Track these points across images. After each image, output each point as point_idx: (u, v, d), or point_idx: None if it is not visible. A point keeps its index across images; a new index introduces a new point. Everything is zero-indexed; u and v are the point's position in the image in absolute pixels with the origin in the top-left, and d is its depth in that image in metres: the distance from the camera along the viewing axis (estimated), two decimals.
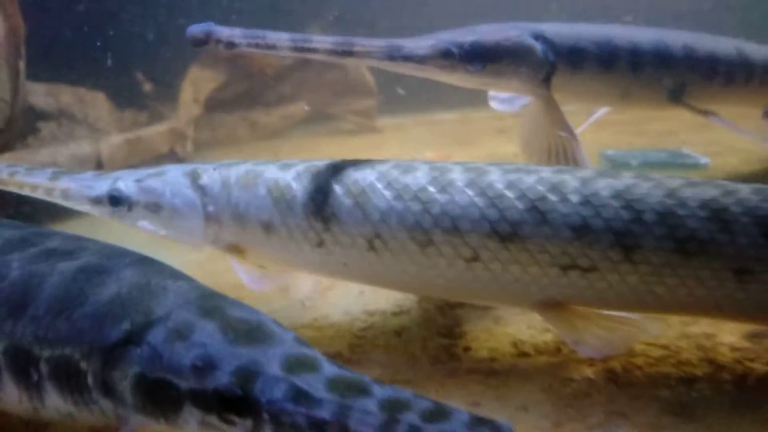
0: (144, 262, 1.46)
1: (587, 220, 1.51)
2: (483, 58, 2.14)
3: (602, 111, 3.04)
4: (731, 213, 1.47)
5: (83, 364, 1.28)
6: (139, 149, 3.61)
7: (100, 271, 1.39)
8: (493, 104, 2.53)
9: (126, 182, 1.86)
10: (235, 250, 1.83)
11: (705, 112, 2.62)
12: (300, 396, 1.09)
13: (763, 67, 2.79)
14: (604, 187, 1.54)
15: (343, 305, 2.08)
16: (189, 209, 1.83)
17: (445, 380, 1.63)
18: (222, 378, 1.14)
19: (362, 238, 1.66)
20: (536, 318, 1.77)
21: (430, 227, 1.59)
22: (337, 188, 1.68)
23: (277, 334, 1.22)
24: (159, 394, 1.19)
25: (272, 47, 1.74)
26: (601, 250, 1.51)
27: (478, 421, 1.03)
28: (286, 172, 1.77)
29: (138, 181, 1.86)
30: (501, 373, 1.64)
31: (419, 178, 1.64)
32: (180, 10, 4.50)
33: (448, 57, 2.09)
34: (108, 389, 1.25)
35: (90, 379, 1.27)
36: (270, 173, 1.79)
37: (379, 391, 1.09)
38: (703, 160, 3.34)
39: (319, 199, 1.70)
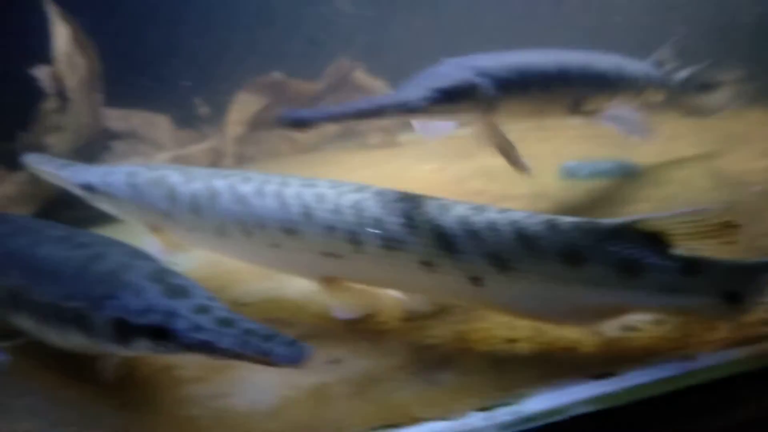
0: (129, 251, 2.20)
1: (334, 223, 2.17)
2: (446, 99, 2.57)
3: None
4: (417, 221, 2.08)
5: (86, 313, 2.03)
6: (183, 164, 4.42)
7: (101, 256, 2.15)
8: (421, 132, 3.02)
9: (95, 176, 2.70)
10: (155, 228, 2.63)
11: (593, 113, 3.19)
12: (196, 328, 1.81)
13: (633, 78, 3.41)
14: (347, 199, 2.19)
15: (300, 287, 2.75)
16: (126, 198, 2.63)
17: (328, 336, 2.33)
18: (156, 317, 1.86)
19: (214, 227, 2.41)
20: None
21: (249, 222, 2.33)
22: (201, 191, 2.44)
23: (197, 293, 1.93)
24: (123, 329, 1.92)
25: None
26: (342, 244, 2.17)
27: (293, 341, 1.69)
28: (179, 178, 2.52)
29: (102, 176, 2.69)
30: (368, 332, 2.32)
31: (247, 188, 2.37)
32: (231, 50, 5.32)
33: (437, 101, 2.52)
34: (88, 326, 1.98)
35: (84, 321, 2.01)
36: (171, 179, 2.54)
37: (242, 324, 1.78)
38: (638, 168, 3.85)
39: (188, 198, 2.45)
